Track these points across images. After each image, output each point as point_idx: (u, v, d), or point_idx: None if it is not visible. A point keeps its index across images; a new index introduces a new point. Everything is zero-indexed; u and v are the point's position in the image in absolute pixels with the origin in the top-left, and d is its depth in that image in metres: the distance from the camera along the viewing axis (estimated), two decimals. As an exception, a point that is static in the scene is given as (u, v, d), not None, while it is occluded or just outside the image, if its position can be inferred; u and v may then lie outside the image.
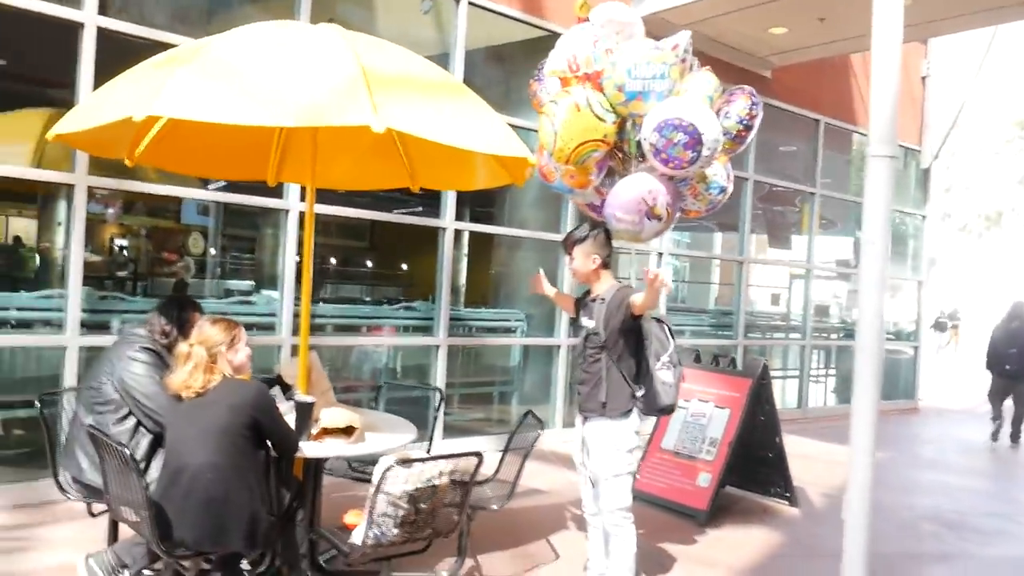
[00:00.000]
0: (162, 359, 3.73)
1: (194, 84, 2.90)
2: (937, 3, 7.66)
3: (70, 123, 3.38)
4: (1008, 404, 9.97)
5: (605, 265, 3.98)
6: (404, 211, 8.71)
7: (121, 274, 13.11)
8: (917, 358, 12.59)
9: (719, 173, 4.38)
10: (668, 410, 3.90)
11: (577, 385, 4.04)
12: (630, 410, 3.84)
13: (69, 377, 4.94)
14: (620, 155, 4.33)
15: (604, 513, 3.87)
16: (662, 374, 3.82)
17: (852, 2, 7.20)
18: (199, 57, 3.02)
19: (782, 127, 10.17)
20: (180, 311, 3.87)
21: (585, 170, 4.37)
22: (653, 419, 5.84)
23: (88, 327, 5.17)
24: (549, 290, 4.42)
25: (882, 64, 4.27)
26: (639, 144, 4.11)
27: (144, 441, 3.67)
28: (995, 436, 10.01)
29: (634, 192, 4.07)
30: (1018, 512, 6.57)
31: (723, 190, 4.40)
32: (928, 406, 12.77)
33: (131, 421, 3.67)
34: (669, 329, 3.94)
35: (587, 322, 3.95)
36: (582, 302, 4.09)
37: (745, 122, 4.36)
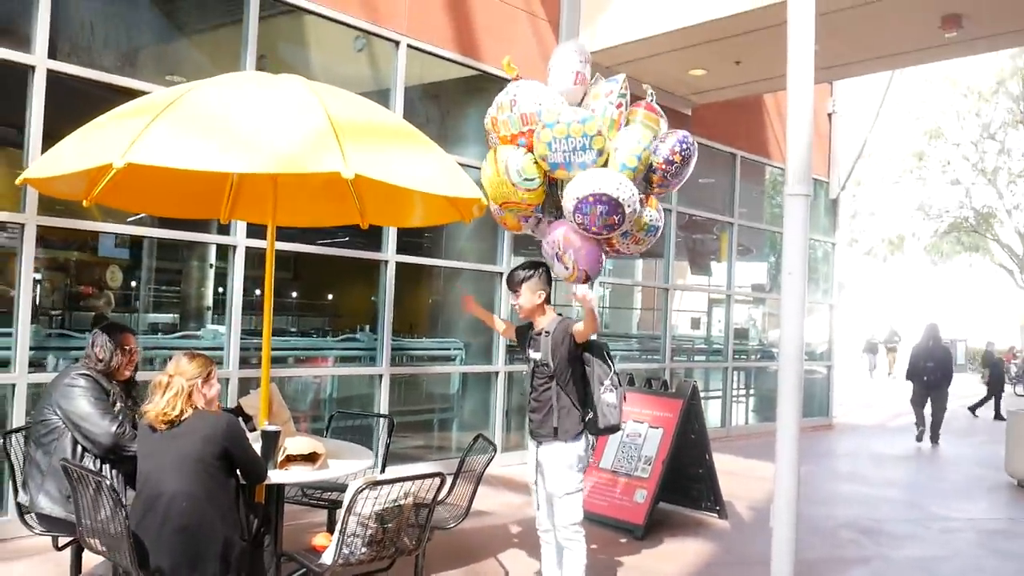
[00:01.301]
0: (99, 384, 3.87)
1: (173, 133, 3.11)
2: (842, 48, 8.29)
3: (42, 168, 3.53)
4: (927, 411, 11.80)
5: (547, 300, 4.27)
6: (331, 242, 8.87)
7: (51, 310, 12.81)
8: (831, 378, 13.31)
9: (652, 216, 4.70)
10: (614, 429, 4.19)
11: (529, 413, 4.28)
12: (580, 432, 4.14)
13: (18, 415, 4.98)
14: (552, 203, 4.58)
15: (559, 528, 4.14)
16: (607, 396, 4.12)
17: (765, 47, 7.79)
18: (176, 107, 3.22)
19: (702, 161, 10.62)
20: (112, 335, 4.02)
21: (514, 219, 4.73)
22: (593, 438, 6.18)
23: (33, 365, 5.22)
24: (480, 312, 4.78)
25: (796, 113, 4.73)
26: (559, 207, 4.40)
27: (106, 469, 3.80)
28: (919, 438, 11.89)
29: (555, 236, 4.41)
30: (927, 517, 7.10)
31: (657, 230, 4.74)
32: (842, 423, 13.50)
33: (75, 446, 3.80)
34: (608, 354, 4.25)
35: (534, 354, 4.21)
36: (527, 336, 4.34)
37: (669, 159, 4.64)
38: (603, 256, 4.61)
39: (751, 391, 12.52)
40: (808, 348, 13.38)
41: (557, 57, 4.55)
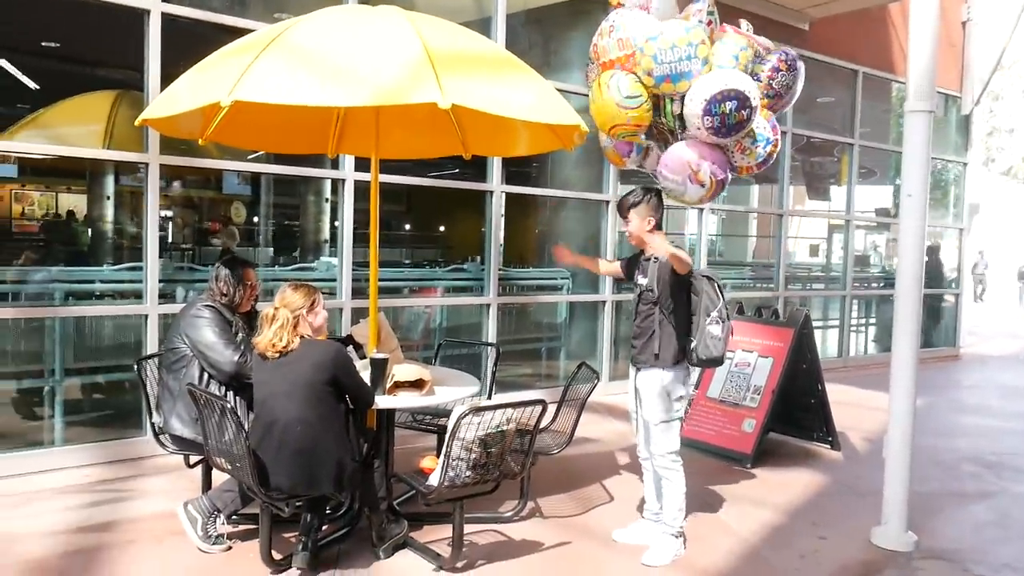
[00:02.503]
0: (222, 316, 4.09)
1: (277, 70, 3.19)
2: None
3: (157, 109, 3.67)
4: None
5: (658, 226, 4.20)
6: (439, 174, 8.98)
7: (179, 245, 13.58)
8: (958, 306, 12.66)
9: (763, 126, 4.55)
10: (717, 362, 4.13)
11: (632, 339, 4.28)
12: (680, 361, 4.11)
13: (151, 343, 5.33)
14: (657, 131, 4.53)
15: (655, 457, 4.16)
16: (712, 328, 4.05)
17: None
18: (277, 45, 3.29)
19: (820, 79, 10.21)
20: (234, 271, 4.22)
21: (617, 153, 4.70)
22: (698, 370, 6.13)
23: (163, 296, 5.56)
24: (577, 258, 4.70)
25: (920, 21, 4.43)
26: (679, 118, 4.32)
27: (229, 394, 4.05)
28: None
29: (681, 156, 4.32)
30: (1058, 452, 6.76)
31: (770, 142, 4.58)
32: (970, 353, 12.87)
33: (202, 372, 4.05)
34: (719, 286, 4.16)
35: (642, 280, 4.20)
36: (636, 262, 4.33)
37: (776, 67, 4.52)
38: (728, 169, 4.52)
39: (871, 320, 12.06)
40: (934, 274, 12.77)
41: None
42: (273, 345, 3.58)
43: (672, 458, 4.12)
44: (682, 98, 4.25)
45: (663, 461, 4.12)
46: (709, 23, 4.41)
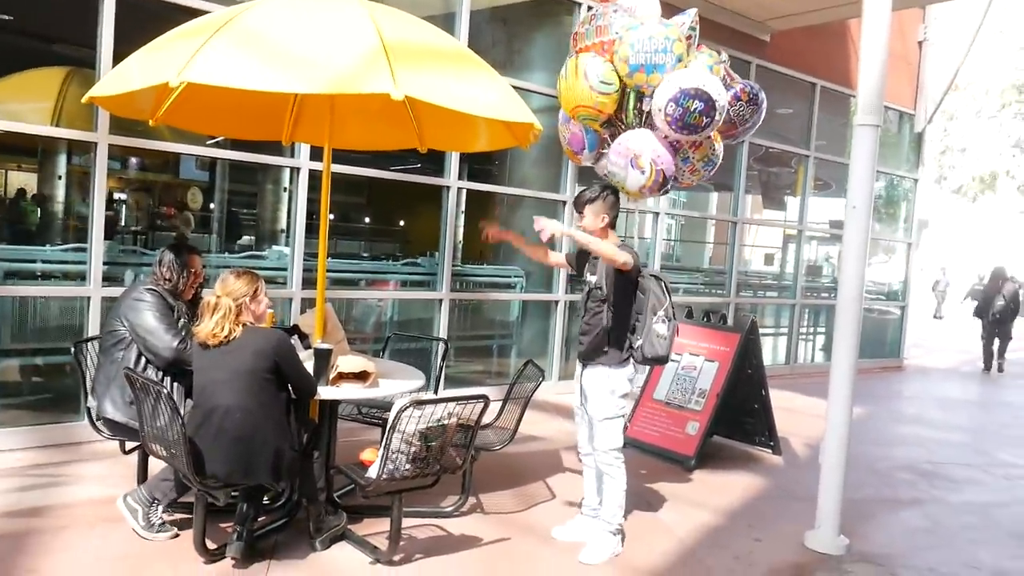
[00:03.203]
0: (165, 300, 4.03)
1: (228, 52, 3.16)
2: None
3: (105, 87, 3.61)
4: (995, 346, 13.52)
5: (611, 225, 4.23)
6: (401, 168, 8.93)
7: (128, 228, 13.31)
8: (904, 318, 12.93)
9: (714, 149, 4.76)
10: (661, 360, 4.17)
11: (579, 336, 4.32)
12: (627, 359, 4.15)
13: (92, 326, 5.22)
14: (620, 124, 4.64)
15: (598, 453, 4.19)
16: (658, 327, 4.09)
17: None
18: (231, 27, 3.25)
19: (779, 90, 10.35)
20: (179, 256, 4.16)
21: (571, 149, 4.84)
22: (645, 370, 6.20)
23: (107, 279, 5.46)
24: (510, 237, 4.65)
25: (870, 37, 4.53)
26: (639, 113, 4.42)
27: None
28: (986, 367, 13.58)
29: (627, 142, 4.45)
30: (990, 463, 6.94)
31: (714, 165, 4.88)
32: (913, 364, 13.16)
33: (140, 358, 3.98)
34: (666, 285, 4.21)
35: (591, 277, 4.24)
36: (585, 257, 4.36)
37: (737, 95, 4.74)
38: (675, 168, 4.61)
39: (819, 329, 12.27)
40: (881, 287, 13.03)
41: None
42: (214, 335, 3.54)
43: (615, 455, 4.15)
44: (651, 94, 4.36)
45: (606, 458, 4.16)
46: (688, 38, 4.52)
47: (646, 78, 4.37)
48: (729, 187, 10.82)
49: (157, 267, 4.13)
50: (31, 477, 4.65)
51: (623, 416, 4.21)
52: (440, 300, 7.21)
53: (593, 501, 4.35)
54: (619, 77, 4.50)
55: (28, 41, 8.49)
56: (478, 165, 9.47)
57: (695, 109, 4.24)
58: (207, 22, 3.47)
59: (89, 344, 4.39)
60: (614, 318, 4.14)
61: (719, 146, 4.88)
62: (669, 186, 4.67)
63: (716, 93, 4.26)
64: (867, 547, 4.58)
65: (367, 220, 19.40)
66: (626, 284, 4.13)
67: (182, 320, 4.05)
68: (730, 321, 7.04)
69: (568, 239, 4.28)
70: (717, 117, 4.32)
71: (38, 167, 11.58)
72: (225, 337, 3.54)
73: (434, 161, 7.26)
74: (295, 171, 6.22)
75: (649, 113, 4.50)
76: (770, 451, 6.36)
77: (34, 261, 5.88)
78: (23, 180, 15.30)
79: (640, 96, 4.55)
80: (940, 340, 18.31)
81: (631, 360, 4.17)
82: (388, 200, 18.23)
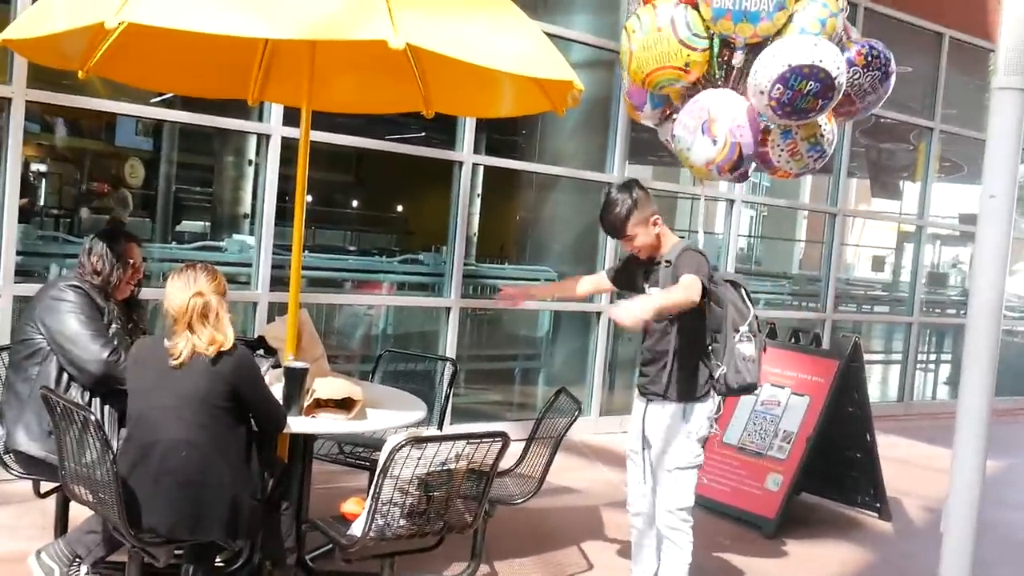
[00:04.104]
0: (92, 300, 4.05)
1: (179, -14, 3.19)
2: None
3: (22, 29, 3.67)
4: None
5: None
6: (399, 138, 8.98)
7: (49, 209, 13.44)
8: (1055, 344, 12.82)
9: (827, 128, 4.70)
10: (750, 389, 4.16)
11: (640, 365, 4.30)
12: (706, 392, 4.13)
13: (2, 332, 5.30)
14: (701, 84, 4.63)
15: (661, 513, 4.17)
16: (742, 347, 4.05)
17: None
18: (184, -46, 3.30)
19: (895, 42, 10.26)
20: (113, 245, 4.17)
21: (631, 103, 4.82)
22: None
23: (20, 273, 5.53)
24: (539, 292, 4.51)
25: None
26: (724, 66, 4.41)
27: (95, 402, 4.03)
28: None
29: (704, 102, 4.43)
30: None
31: (822, 152, 4.75)
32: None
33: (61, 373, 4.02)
34: (746, 293, 4.19)
35: (652, 290, 4.16)
36: (633, 267, 4.33)
37: (852, 61, 4.68)
38: (757, 149, 4.60)
39: (944, 356, 12.18)
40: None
41: None
42: (203, 348, 3.53)
43: (683, 516, 4.13)
44: (744, 50, 4.34)
45: (671, 519, 4.13)
46: None
47: (733, 27, 4.35)
48: (828, 168, 10.78)
49: (85, 257, 4.17)
50: (-80, 526, 4.72)
51: (699, 466, 4.19)
52: (448, 309, 7.24)
53: (637, 568, 4.33)
54: (707, 27, 4.49)
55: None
56: (499, 136, 9.49)
57: (809, 91, 4.22)
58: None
59: (-3, 356, 4.46)
60: (687, 341, 4.11)
61: (831, 126, 4.83)
62: (744, 168, 4.66)
63: (835, 68, 4.22)
64: (1002, 644, 4.55)
65: (355, 204, 19.50)
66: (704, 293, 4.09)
67: (114, 325, 4.09)
68: (825, 343, 7.00)
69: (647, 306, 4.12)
70: (835, 98, 4.31)
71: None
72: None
73: (443, 130, 7.31)
74: (264, 139, 6.28)
75: (738, 73, 4.49)
76: (876, 515, 6.33)
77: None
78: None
79: (727, 44, 4.52)
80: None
81: (711, 393, 4.15)
82: (383, 178, 18.29)
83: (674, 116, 4.82)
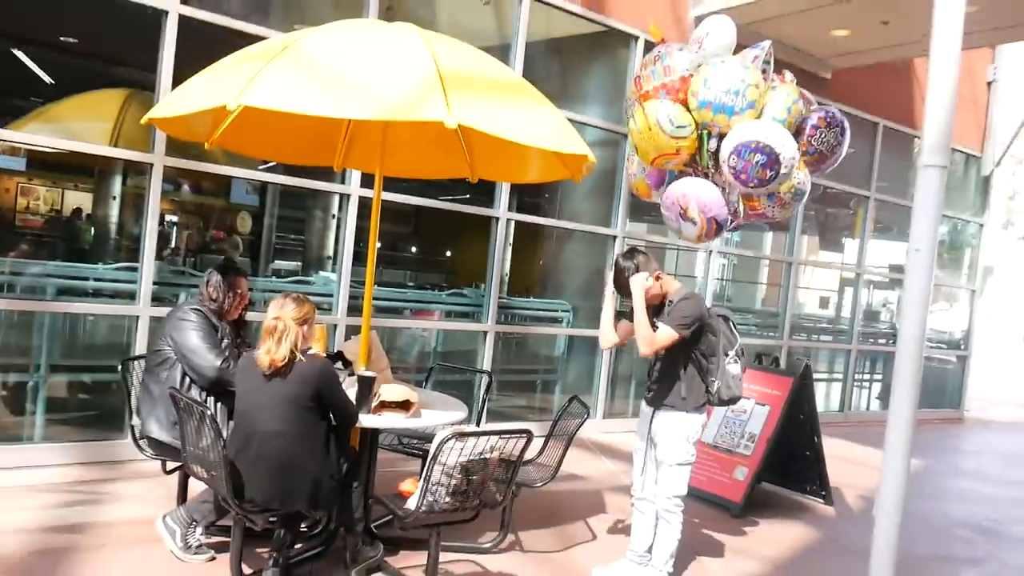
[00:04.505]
0: (209, 320, 4.10)
1: (285, 77, 3.23)
2: (1003, 10, 7.71)
3: (164, 109, 3.71)
4: None
5: (660, 270, 4.17)
6: (449, 199, 9.02)
7: (177, 250, 13.60)
8: (966, 368, 12.60)
9: (800, 178, 4.71)
10: (736, 401, 4.20)
11: (651, 382, 4.28)
12: (703, 404, 4.13)
13: (140, 345, 5.34)
14: (694, 166, 4.62)
15: (660, 499, 4.15)
16: (731, 367, 4.12)
17: (916, 5, 7.31)
18: (289, 53, 3.33)
19: (838, 129, 10.25)
20: (225, 277, 4.21)
21: (647, 184, 4.81)
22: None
23: (156, 299, 5.58)
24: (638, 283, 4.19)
25: (939, 74, 4.44)
26: (714, 156, 4.40)
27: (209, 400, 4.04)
28: None
29: (672, 194, 4.41)
30: (1058, 525, 6.69)
31: (804, 194, 4.83)
32: (974, 417, 12.78)
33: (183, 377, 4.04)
34: (733, 324, 4.23)
35: (661, 324, 4.12)
36: (655, 310, 4.24)
37: (815, 124, 4.67)
38: (726, 201, 4.56)
39: (876, 376, 12.01)
40: (943, 335, 12.71)
41: (710, 25, 4.62)
42: (279, 361, 3.52)
43: (676, 502, 4.13)
44: (717, 137, 4.34)
45: (668, 504, 4.13)
46: (764, 72, 4.49)
47: (712, 117, 4.33)
48: (784, 227, 10.70)
49: (204, 287, 4.21)
50: (73, 493, 4.73)
51: (692, 463, 4.18)
52: (485, 332, 7.23)
53: (640, 547, 4.29)
54: (692, 116, 4.47)
55: (92, 63, 8.81)
56: (528, 198, 9.51)
57: (757, 162, 4.20)
58: (266, 48, 3.56)
59: (136, 363, 4.49)
60: (689, 364, 4.12)
61: (805, 175, 4.82)
62: (726, 230, 4.64)
63: (780, 146, 4.18)
64: (923, 607, 4.44)
65: (414, 249, 19.55)
66: (700, 330, 4.10)
67: (225, 340, 4.12)
68: (783, 364, 6.92)
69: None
70: (783, 170, 4.26)
71: (94, 187, 11.94)
72: (283, 361, 3.54)
73: (484, 192, 7.33)
74: (344, 197, 6.32)
75: (714, 157, 4.48)
76: (821, 501, 6.21)
77: (86, 279, 6.05)
78: (79, 200, 15.77)
79: (709, 135, 4.51)
80: (1003, 392, 17.75)
81: (706, 404, 4.16)
82: (436, 230, 18.37)
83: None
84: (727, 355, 4.12)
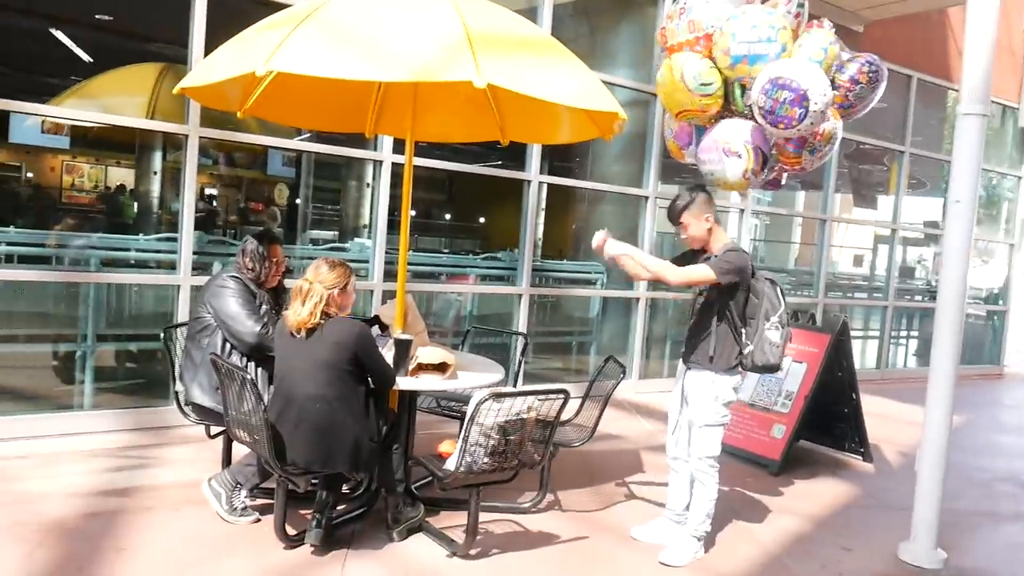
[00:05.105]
0: (247, 287, 4.08)
1: (312, 42, 3.15)
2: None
3: (194, 78, 3.66)
4: None
5: (716, 222, 4.02)
6: (483, 165, 8.94)
7: (217, 220, 13.72)
8: (1005, 322, 12.31)
9: (836, 126, 4.53)
10: (773, 369, 3.99)
11: (687, 339, 4.12)
12: (735, 366, 3.97)
13: (182, 313, 5.36)
14: (730, 115, 4.48)
15: (693, 459, 4.04)
16: (770, 334, 3.91)
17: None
18: (315, 17, 3.26)
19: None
20: (261, 245, 4.19)
21: (677, 144, 4.69)
22: (754, 376, 5.97)
23: (196, 268, 5.60)
24: (615, 248, 4.02)
25: (977, 20, 4.27)
26: (749, 108, 4.25)
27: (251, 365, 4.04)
28: None
29: (713, 136, 4.28)
30: (1101, 478, 6.52)
31: (835, 141, 4.61)
32: (1014, 372, 12.50)
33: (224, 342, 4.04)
34: (781, 291, 4.01)
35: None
36: (689, 259, 4.12)
37: (855, 78, 4.45)
38: (770, 144, 4.42)
39: (912, 333, 11.78)
40: (978, 291, 12.42)
41: None
42: (304, 322, 3.53)
43: (710, 463, 4.00)
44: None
45: (701, 465, 4.01)
46: (797, 15, 4.33)
47: (749, 69, 4.16)
48: (818, 185, 10.47)
49: (240, 256, 4.18)
50: (122, 459, 4.79)
51: (724, 424, 4.03)
52: (520, 295, 7.17)
53: (677, 507, 4.22)
54: (720, 72, 4.31)
55: (127, 41, 8.81)
56: (559, 162, 9.39)
57: (784, 100, 4.03)
58: (292, 14, 3.49)
59: (178, 330, 4.49)
60: (724, 322, 3.96)
61: (839, 124, 4.61)
62: (769, 170, 4.48)
63: (808, 82, 4.01)
64: (966, 562, 4.34)
65: (448, 216, 19.51)
66: (738, 287, 3.93)
67: (264, 307, 4.10)
68: (819, 322, 6.78)
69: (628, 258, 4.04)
70: (812, 107, 4.08)
71: (135, 163, 12.03)
72: (316, 324, 3.54)
73: (515, 158, 7.23)
74: (377, 164, 6.26)
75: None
76: (860, 458, 6.10)
77: (128, 250, 6.08)
78: (122, 176, 15.93)
79: (744, 89, 4.35)
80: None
81: (739, 367, 4.00)
82: (469, 196, 18.32)
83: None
84: (768, 320, 3.93)
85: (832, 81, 4.36)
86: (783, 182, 4.88)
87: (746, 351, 3.95)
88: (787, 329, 3.97)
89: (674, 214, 4.02)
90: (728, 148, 4.26)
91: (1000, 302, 12.36)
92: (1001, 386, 11.39)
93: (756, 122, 4.27)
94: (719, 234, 4.03)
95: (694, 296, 4.15)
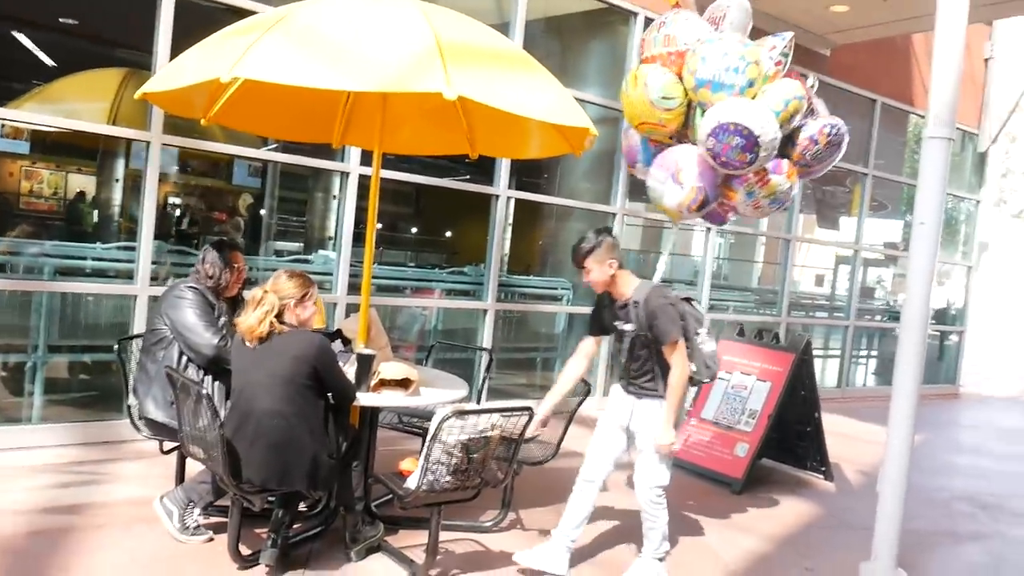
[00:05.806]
0: (205, 298, 3.97)
1: (280, 49, 3.08)
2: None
3: (157, 83, 3.56)
4: None
5: (621, 266, 3.90)
6: (451, 178, 8.88)
7: (179, 230, 13.48)
8: (961, 343, 12.49)
9: (784, 186, 4.48)
10: (712, 376, 4.09)
11: (631, 378, 4.00)
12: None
13: (138, 324, 5.21)
14: (688, 142, 4.46)
15: (643, 489, 3.92)
16: (705, 346, 3.97)
17: (915, -19, 7.15)
18: (283, 24, 3.19)
19: (838, 106, 10.05)
20: (221, 253, 4.08)
21: (626, 159, 4.68)
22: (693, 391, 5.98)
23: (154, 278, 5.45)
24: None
25: (945, 46, 4.30)
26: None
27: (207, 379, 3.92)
28: None
29: (673, 154, 4.26)
30: (1056, 499, 6.60)
31: (783, 203, 4.59)
32: (970, 392, 12.69)
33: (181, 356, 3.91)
34: (696, 303, 4.09)
35: (627, 327, 3.90)
36: (605, 310, 4.05)
37: (814, 138, 4.46)
38: (718, 191, 4.41)
39: (872, 353, 11.91)
40: (939, 310, 12.60)
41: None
42: (251, 329, 3.45)
43: (658, 492, 3.89)
44: None
45: (650, 495, 3.89)
46: (778, 63, 4.31)
47: (711, 95, 4.12)
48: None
49: (200, 264, 4.08)
50: (71, 474, 4.63)
51: (675, 451, 3.96)
52: (485, 310, 7.10)
53: (569, 527, 3.96)
54: (684, 91, 4.28)
55: (91, 45, 8.63)
56: (527, 177, 9.36)
57: (736, 145, 4.00)
58: (259, 20, 3.41)
59: (133, 342, 4.36)
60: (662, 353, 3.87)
61: (793, 185, 4.57)
62: (708, 209, 4.45)
63: (760, 128, 3.94)
64: (927, 583, 4.34)
65: (414, 230, 19.41)
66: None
67: (223, 318, 3.99)
68: (782, 341, 6.80)
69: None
70: (762, 153, 4.04)
71: (97, 170, 11.78)
72: (263, 334, 3.45)
73: (483, 172, 7.18)
74: (344, 176, 6.18)
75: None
76: (822, 477, 6.11)
77: (84, 258, 5.91)
78: (83, 183, 15.60)
79: (703, 112, 4.34)
80: (998, 367, 17.67)
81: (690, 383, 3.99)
82: (437, 210, 18.22)
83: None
84: (698, 334, 3.96)
85: (791, 137, 4.35)
86: (726, 221, 4.88)
87: (691, 372, 3.93)
88: (714, 332, 4.05)
89: (577, 258, 3.88)
90: (676, 175, 4.24)
91: (957, 323, 12.55)
92: (958, 406, 11.55)
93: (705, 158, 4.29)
94: (625, 278, 3.89)
95: (628, 342, 3.96)
